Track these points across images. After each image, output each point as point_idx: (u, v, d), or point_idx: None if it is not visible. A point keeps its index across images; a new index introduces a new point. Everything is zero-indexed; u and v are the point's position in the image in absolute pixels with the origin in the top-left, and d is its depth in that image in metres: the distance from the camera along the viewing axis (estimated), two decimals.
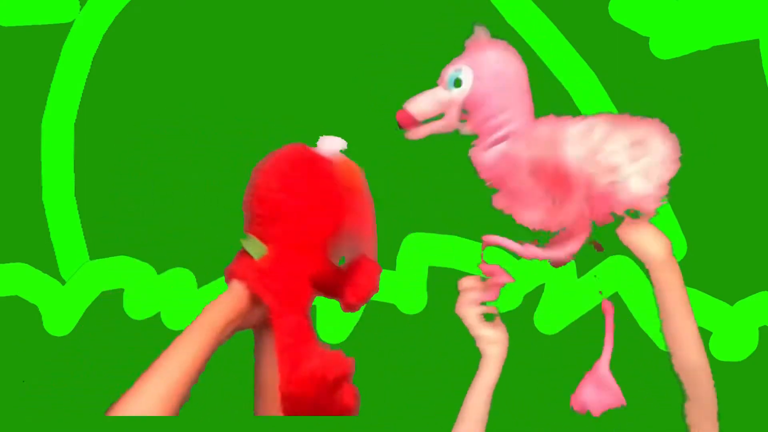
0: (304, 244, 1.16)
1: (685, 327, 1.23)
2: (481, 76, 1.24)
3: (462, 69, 1.26)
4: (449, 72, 1.26)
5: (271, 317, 1.14)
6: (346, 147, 1.24)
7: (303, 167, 1.18)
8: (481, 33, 1.30)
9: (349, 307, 1.25)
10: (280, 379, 1.13)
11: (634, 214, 1.24)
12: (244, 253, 1.15)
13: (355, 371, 1.14)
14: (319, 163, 1.19)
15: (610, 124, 1.21)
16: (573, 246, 1.27)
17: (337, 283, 1.21)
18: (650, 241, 1.24)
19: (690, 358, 1.24)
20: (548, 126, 1.21)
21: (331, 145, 1.23)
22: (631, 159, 1.20)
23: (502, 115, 1.23)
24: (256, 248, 1.15)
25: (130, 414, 1.07)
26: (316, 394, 1.13)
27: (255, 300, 1.14)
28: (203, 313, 1.14)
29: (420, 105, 1.27)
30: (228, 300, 1.15)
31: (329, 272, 1.20)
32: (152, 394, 1.09)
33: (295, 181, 1.17)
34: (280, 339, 1.14)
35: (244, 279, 1.14)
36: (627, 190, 1.21)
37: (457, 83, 1.27)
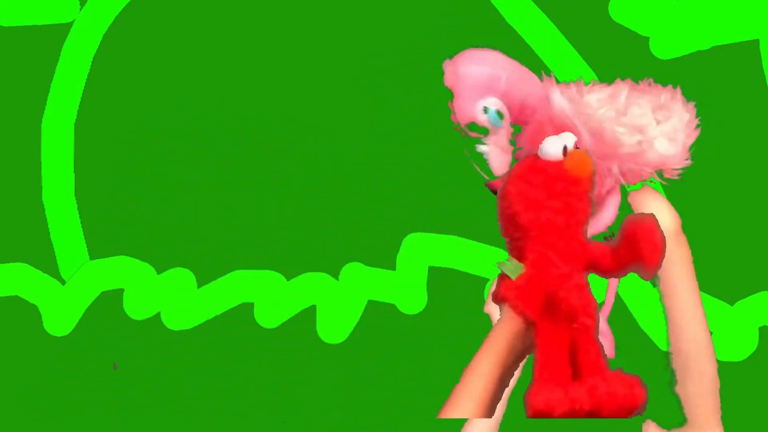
0: (559, 251, 1.18)
1: (691, 301, 1.23)
2: (503, 89, 1.26)
3: (487, 101, 1.27)
4: (484, 118, 1.27)
5: (535, 333, 1.15)
6: (571, 142, 1.22)
7: (536, 180, 1.19)
8: (449, 70, 1.32)
9: (650, 273, 1.20)
10: (526, 398, 1.15)
11: (659, 174, 1.26)
12: (504, 276, 1.18)
13: (638, 403, 1.11)
14: (549, 168, 1.20)
15: (634, 89, 1.24)
16: (607, 215, 1.29)
17: (621, 259, 1.19)
18: (663, 212, 1.25)
19: (696, 333, 1.24)
20: (568, 100, 1.23)
21: (552, 148, 1.23)
22: (657, 121, 1.23)
23: (532, 101, 1.25)
24: (512, 268, 1.18)
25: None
26: (565, 416, 1.14)
27: (525, 318, 1.16)
28: (484, 343, 1.17)
29: (494, 166, 1.29)
30: (502, 324, 1.17)
31: (605, 254, 1.19)
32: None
33: (532, 197, 1.18)
34: (537, 355, 1.15)
35: (506, 300, 1.16)
36: (654, 150, 1.23)
37: (500, 115, 1.28)
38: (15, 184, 1.96)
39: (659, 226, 1.18)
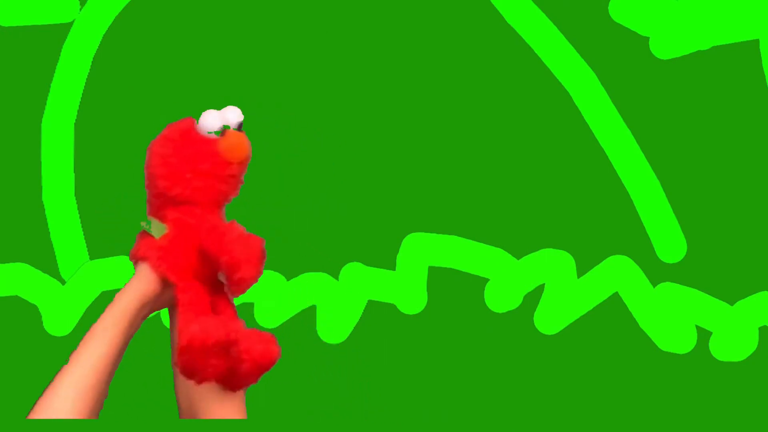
0: (198, 219, 1.15)
1: None
2: None
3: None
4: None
5: (176, 294, 1.13)
6: (238, 121, 1.21)
7: (185, 151, 1.17)
8: None
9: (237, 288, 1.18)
10: (173, 354, 1.12)
11: None
12: (145, 234, 1.15)
13: (244, 335, 1.09)
14: (201, 145, 1.17)
15: None
16: None
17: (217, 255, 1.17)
18: None
19: None
20: None
21: (210, 124, 1.20)
22: None
23: None
24: (156, 228, 1.15)
25: (45, 417, 1.05)
26: (203, 361, 1.10)
27: (163, 279, 1.14)
28: (114, 302, 1.14)
29: None
30: (136, 284, 1.15)
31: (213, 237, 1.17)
32: (66, 394, 1.07)
33: (174, 167, 1.16)
34: (180, 314, 1.12)
35: (147, 259, 1.14)
36: None
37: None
38: (15, 184, 1.96)
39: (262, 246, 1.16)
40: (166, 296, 1.16)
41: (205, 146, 1.18)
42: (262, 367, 1.12)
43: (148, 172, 1.22)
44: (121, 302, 1.15)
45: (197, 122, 1.20)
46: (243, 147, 1.23)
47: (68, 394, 1.08)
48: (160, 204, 1.20)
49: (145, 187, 1.22)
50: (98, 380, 1.10)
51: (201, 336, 1.09)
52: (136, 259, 1.17)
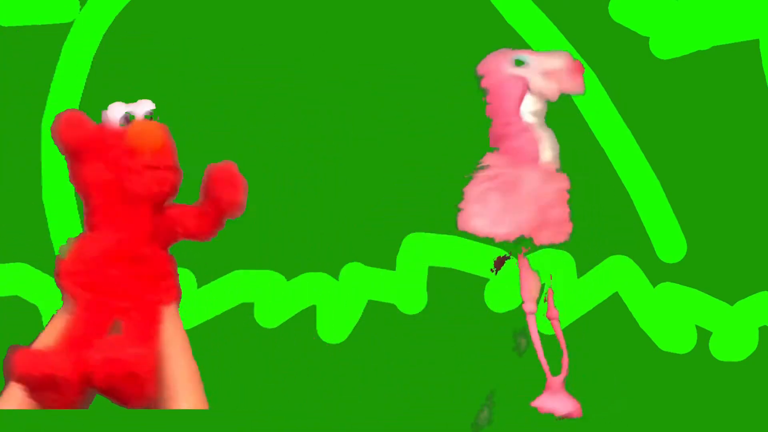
0: (123, 221, 1.15)
1: None
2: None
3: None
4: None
5: (76, 307, 1.13)
6: (141, 111, 1.20)
7: (96, 146, 1.16)
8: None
9: (226, 215, 1.17)
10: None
11: None
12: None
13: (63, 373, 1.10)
14: (108, 138, 1.17)
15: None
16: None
17: (206, 214, 1.16)
18: None
19: None
20: None
21: (112, 114, 1.20)
22: None
23: None
24: (64, 248, 1.16)
25: None
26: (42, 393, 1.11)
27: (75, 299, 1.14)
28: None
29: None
30: (62, 311, 1.16)
31: (186, 216, 1.16)
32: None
33: (91, 163, 1.15)
34: (70, 329, 1.12)
35: (63, 288, 1.15)
36: None
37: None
38: (15, 184, 1.96)
39: (237, 168, 1.16)
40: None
41: (112, 138, 1.17)
42: (115, 376, 1.11)
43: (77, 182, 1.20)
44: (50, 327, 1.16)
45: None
46: (152, 133, 1.21)
47: None
48: (88, 208, 1.19)
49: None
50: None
51: (22, 370, 1.10)
52: (59, 287, 1.18)
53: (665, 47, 1.94)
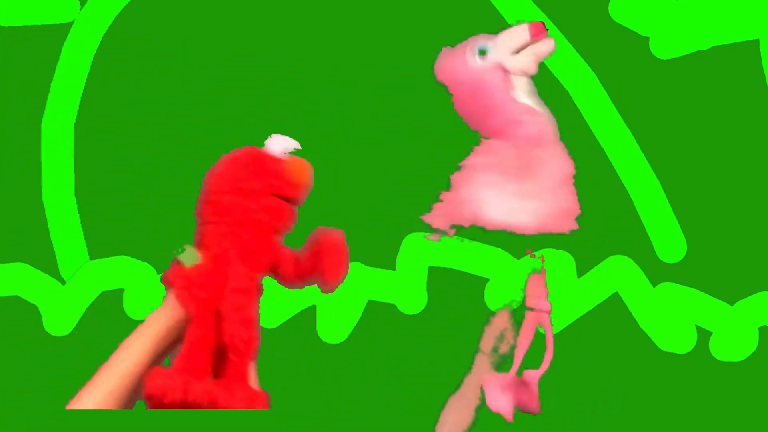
0: (254, 244, 1.16)
1: None
2: None
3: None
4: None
5: (188, 326, 1.13)
6: (297, 147, 1.23)
7: (251, 167, 1.18)
8: None
9: (329, 287, 1.21)
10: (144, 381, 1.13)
11: None
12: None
13: (208, 396, 1.11)
14: (268, 162, 1.18)
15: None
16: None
17: (303, 268, 1.19)
18: None
19: None
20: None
21: (279, 145, 1.22)
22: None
23: None
24: (188, 256, 1.15)
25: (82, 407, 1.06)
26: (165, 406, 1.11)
27: (187, 312, 1.14)
28: (143, 323, 1.14)
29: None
30: (163, 309, 1.15)
31: (288, 261, 1.18)
32: (95, 398, 1.10)
33: (243, 182, 1.16)
34: (182, 347, 1.13)
35: (173, 287, 1.14)
36: None
37: None
38: (15, 184, 1.96)
39: (345, 243, 1.18)
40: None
41: (274, 164, 1.20)
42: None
43: (209, 192, 1.21)
44: (148, 324, 1.15)
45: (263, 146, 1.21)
46: (306, 170, 1.24)
47: (100, 395, 1.11)
48: (213, 226, 1.19)
49: (196, 216, 1.21)
50: (122, 389, 1.11)
51: (158, 393, 1.10)
52: (165, 283, 1.17)
53: (665, 47, 1.94)
